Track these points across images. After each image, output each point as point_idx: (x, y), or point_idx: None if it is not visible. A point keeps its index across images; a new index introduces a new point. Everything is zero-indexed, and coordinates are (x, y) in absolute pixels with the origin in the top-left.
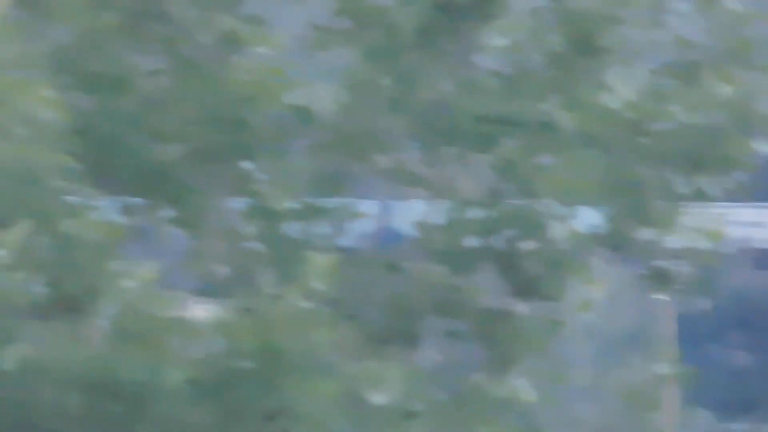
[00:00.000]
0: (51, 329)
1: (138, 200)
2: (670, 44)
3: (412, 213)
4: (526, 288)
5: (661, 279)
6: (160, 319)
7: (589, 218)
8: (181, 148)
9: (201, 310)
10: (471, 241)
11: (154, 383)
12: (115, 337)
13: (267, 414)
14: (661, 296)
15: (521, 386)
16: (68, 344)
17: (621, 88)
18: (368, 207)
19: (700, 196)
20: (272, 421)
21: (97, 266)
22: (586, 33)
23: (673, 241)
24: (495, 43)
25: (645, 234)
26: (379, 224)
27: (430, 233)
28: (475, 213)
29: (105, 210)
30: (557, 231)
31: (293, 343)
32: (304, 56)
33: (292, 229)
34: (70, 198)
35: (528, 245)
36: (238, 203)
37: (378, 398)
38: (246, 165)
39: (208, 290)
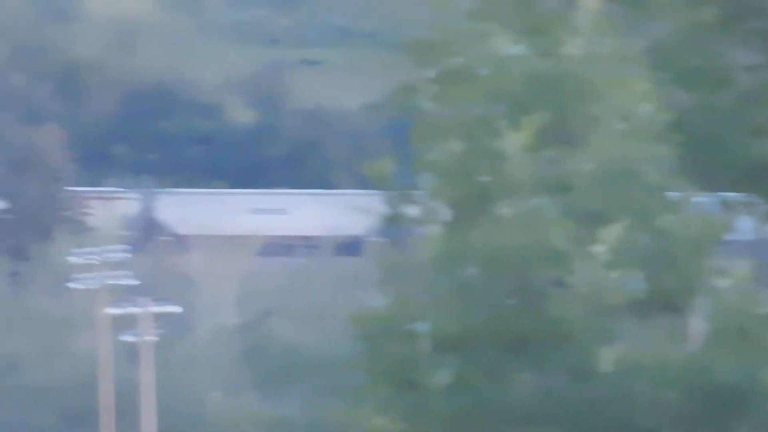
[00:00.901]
0: (648, 327)
1: (737, 196)
2: None
3: None
4: None
5: None
6: (758, 317)
7: None
8: None
9: None
10: None
11: (751, 383)
12: (712, 336)
13: None
14: None
15: None
16: (665, 343)
17: None
18: None
19: None
20: None
21: (695, 263)
22: None
23: None
24: None
25: None
26: None
27: None
28: None
29: (703, 206)
30: None
31: None
32: None
33: None
34: (668, 194)
35: None
36: None
37: None
38: None
39: None
